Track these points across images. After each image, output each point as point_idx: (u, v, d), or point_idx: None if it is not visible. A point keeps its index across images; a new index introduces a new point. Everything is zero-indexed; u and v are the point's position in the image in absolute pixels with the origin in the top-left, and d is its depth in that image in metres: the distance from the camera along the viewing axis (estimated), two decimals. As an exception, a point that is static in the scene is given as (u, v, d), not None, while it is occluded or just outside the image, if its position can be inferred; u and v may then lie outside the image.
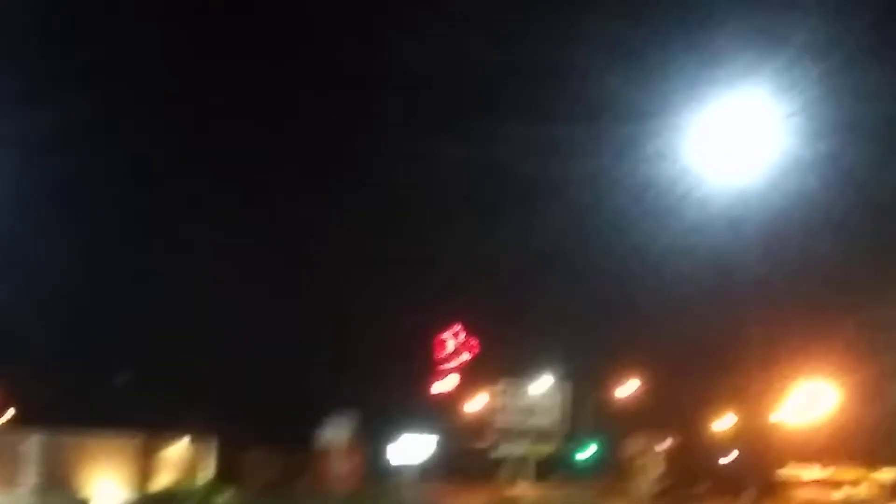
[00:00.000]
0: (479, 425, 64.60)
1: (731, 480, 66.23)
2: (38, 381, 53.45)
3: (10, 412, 67.83)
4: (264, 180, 76.80)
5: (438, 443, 69.58)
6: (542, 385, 50.32)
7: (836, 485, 77.32)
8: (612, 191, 49.61)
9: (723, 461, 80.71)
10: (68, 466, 44.64)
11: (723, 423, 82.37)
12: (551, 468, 71.37)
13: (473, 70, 62.73)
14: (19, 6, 48.15)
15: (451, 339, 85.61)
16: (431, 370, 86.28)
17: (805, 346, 67.47)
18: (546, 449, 49.79)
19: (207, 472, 50.61)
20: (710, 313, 63.02)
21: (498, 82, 64.15)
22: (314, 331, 72.67)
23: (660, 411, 72.39)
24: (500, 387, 48.88)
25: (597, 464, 68.42)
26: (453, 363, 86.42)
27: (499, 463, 66.37)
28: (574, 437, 55.03)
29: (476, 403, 76.70)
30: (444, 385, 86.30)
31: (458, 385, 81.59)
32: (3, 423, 61.77)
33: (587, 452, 62.85)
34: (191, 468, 49.50)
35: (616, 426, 68.53)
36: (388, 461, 64.77)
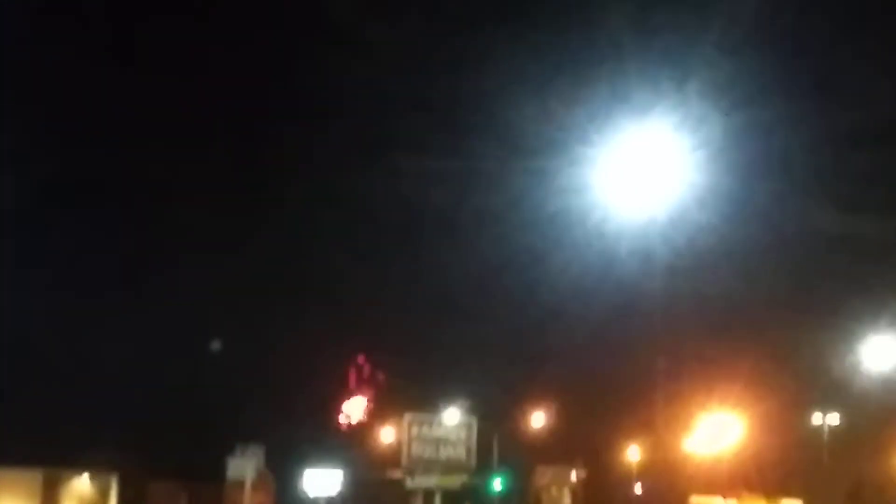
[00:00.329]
0: (391, 456, 64.40)
1: (640, 512, 66.73)
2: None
3: None
4: (170, 213, 76.20)
5: (350, 474, 69.26)
6: (451, 418, 50.30)
7: (743, 515, 78.28)
8: (520, 224, 49.92)
9: (631, 492, 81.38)
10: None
11: (630, 454, 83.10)
12: (461, 500, 71.46)
13: (380, 104, 62.95)
14: None
15: (356, 372, 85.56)
16: (339, 402, 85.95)
17: (710, 377, 68.28)
18: (457, 480, 49.71)
19: (110, 507, 49.86)
20: (616, 346, 63.60)
21: (405, 115, 64.38)
22: (218, 363, 72.03)
23: (568, 443, 72.77)
24: (406, 420, 48.76)
25: (507, 495, 68.49)
26: (359, 397, 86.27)
27: (411, 494, 66.27)
28: (483, 469, 55.03)
29: (386, 435, 76.54)
30: (352, 414, 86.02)
31: (367, 417, 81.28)
32: None
33: (496, 484, 62.86)
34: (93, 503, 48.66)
35: (525, 458, 68.72)
36: (298, 493, 64.23)
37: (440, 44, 54.21)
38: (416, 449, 48.16)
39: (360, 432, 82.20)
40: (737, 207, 39.66)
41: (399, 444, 52.24)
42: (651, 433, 50.14)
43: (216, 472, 56.21)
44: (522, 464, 67.80)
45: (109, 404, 62.10)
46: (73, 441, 52.59)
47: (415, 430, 48.20)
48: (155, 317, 73.05)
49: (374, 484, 75.67)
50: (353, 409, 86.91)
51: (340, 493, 65.75)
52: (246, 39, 69.43)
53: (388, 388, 73.81)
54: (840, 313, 53.97)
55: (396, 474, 55.04)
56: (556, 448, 72.08)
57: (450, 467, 48.18)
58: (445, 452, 48.21)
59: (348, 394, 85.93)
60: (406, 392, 62.59)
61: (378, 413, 78.47)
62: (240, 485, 54.22)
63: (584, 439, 74.72)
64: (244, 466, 54.04)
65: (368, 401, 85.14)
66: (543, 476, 65.65)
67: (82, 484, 48.73)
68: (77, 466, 49.16)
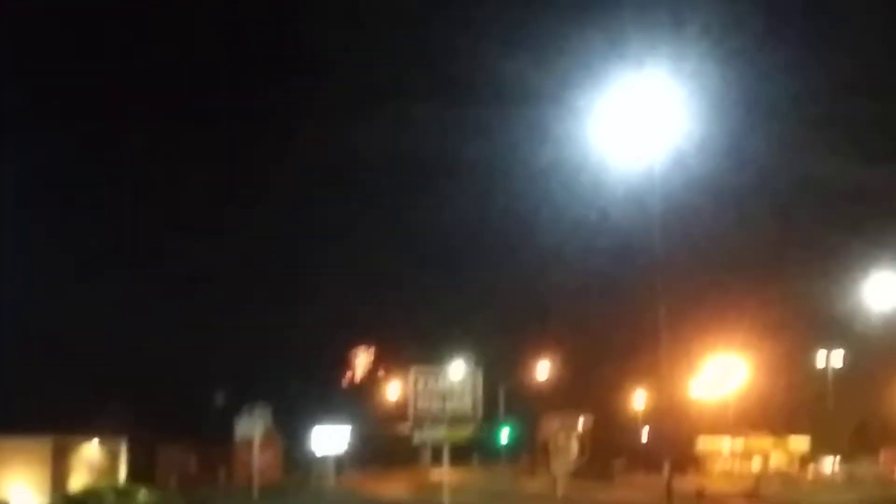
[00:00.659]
0: (398, 412, 64.66)
1: (647, 456, 67.02)
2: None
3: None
4: (174, 171, 76.16)
5: (358, 430, 69.54)
6: (456, 371, 50.34)
7: (750, 455, 78.75)
8: (517, 174, 49.92)
9: (638, 437, 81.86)
10: (-21, 471, 44.04)
11: (637, 400, 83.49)
12: (469, 452, 71.82)
13: (377, 54, 62.70)
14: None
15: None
16: (344, 359, 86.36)
17: (715, 322, 68.57)
18: (464, 433, 49.75)
19: (121, 472, 50.04)
20: (618, 293, 63.82)
21: (401, 66, 64.19)
22: (224, 325, 72.28)
23: (574, 391, 73.03)
24: (412, 374, 48.79)
25: (514, 446, 68.90)
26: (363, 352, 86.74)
27: (419, 449, 66.55)
28: (490, 420, 55.26)
29: (392, 391, 76.93)
30: (357, 369, 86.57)
31: (372, 374, 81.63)
32: None
33: (504, 435, 63.26)
34: (104, 469, 48.88)
35: (531, 408, 68.99)
36: (307, 452, 64.52)
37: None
38: (422, 403, 47.97)
39: (367, 389, 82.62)
40: (733, 155, 39.66)
41: (405, 399, 52.29)
42: (656, 378, 50.24)
43: (224, 434, 56.52)
44: (529, 414, 68.06)
45: (117, 370, 62.47)
46: (81, 408, 52.78)
47: (420, 383, 47.98)
48: (162, 283, 73.45)
49: (381, 440, 76.18)
50: (359, 363, 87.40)
51: (348, 449, 66.06)
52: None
53: (393, 343, 74.01)
54: (841, 255, 54.11)
55: (404, 429, 55.21)
56: (562, 397, 72.33)
57: (456, 420, 48.03)
58: (451, 405, 48.02)
59: (353, 350, 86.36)
60: (411, 347, 62.78)
61: (384, 369, 78.82)
62: (248, 445, 54.42)
63: (590, 387, 75.02)
64: (252, 426, 54.20)
65: (372, 355, 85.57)
66: (550, 425, 65.60)
67: (92, 449, 49.00)
68: (86, 433, 49.42)
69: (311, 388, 67.17)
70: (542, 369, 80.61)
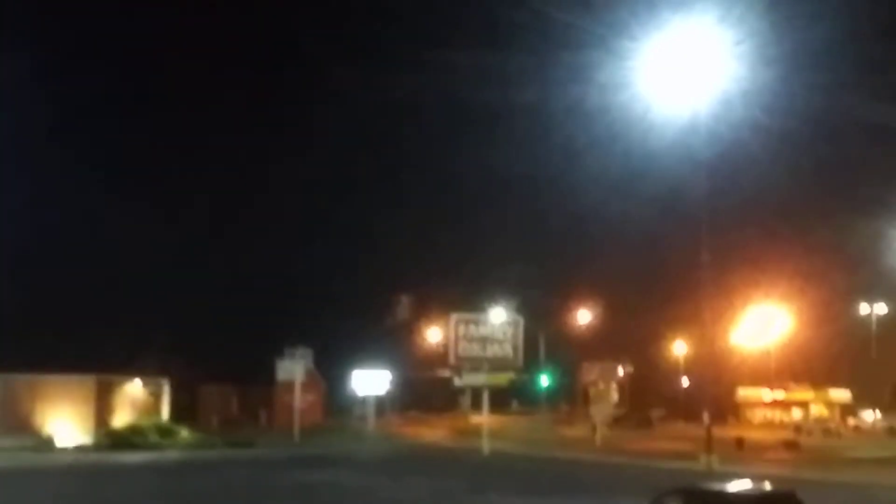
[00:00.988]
0: (438, 356, 64.78)
1: (687, 405, 66.95)
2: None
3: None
4: (216, 123, 76.66)
5: (399, 375, 69.85)
6: (497, 317, 50.38)
7: (790, 405, 78.61)
8: (561, 120, 49.53)
9: (678, 385, 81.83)
10: (26, 408, 44.52)
11: (677, 348, 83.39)
12: (508, 398, 72.04)
13: (425, 3, 62.48)
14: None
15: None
16: (387, 304, 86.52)
17: (756, 271, 68.15)
18: (503, 378, 49.91)
19: (163, 411, 50.52)
20: (661, 241, 63.47)
21: (445, 12, 63.86)
22: (267, 269, 72.63)
23: (614, 339, 73.03)
24: (453, 319, 48.85)
25: (553, 393, 68.99)
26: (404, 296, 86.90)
27: (459, 392, 66.77)
28: (530, 366, 55.29)
29: (433, 335, 77.05)
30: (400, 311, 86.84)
31: (413, 318, 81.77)
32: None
33: (543, 380, 63.29)
34: (147, 408, 49.37)
35: (571, 355, 69.04)
36: (348, 395, 64.90)
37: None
38: (464, 348, 48.24)
39: (408, 333, 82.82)
40: (780, 101, 39.12)
41: (446, 343, 52.40)
42: (697, 327, 50.03)
43: (266, 375, 56.93)
44: (569, 361, 68.12)
45: (161, 311, 63.01)
46: (125, 348, 53.30)
47: (461, 329, 48.23)
48: (207, 227, 73.96)
49: (421, 383, 76.55)
50: (401, 308, 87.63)
51: (389, 393, 66.41)
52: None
53: (434, 288, 74.11)
54: (886, 203, 53.40)
55: (444, 373, 55.41)
56: (603, 344, 72.38)
57: (497, 365, 48.30)
58: (492, 350, 48.28)
59: (396, 294, 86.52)
60: (453, 292, 62.79)
61: (424, 314, 78.94)
62: (289, 386, 54.86)
63: (631, 335, 74.96)
64: (293, 368, 54.59)
65: (415, 300, 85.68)
66: (590, 372, 65.90)
67: (135, 388, 49.40)
68: (129, 372, 49.84)
69: (353, 331, 67.36)
70: (583, 316, 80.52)
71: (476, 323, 48.56)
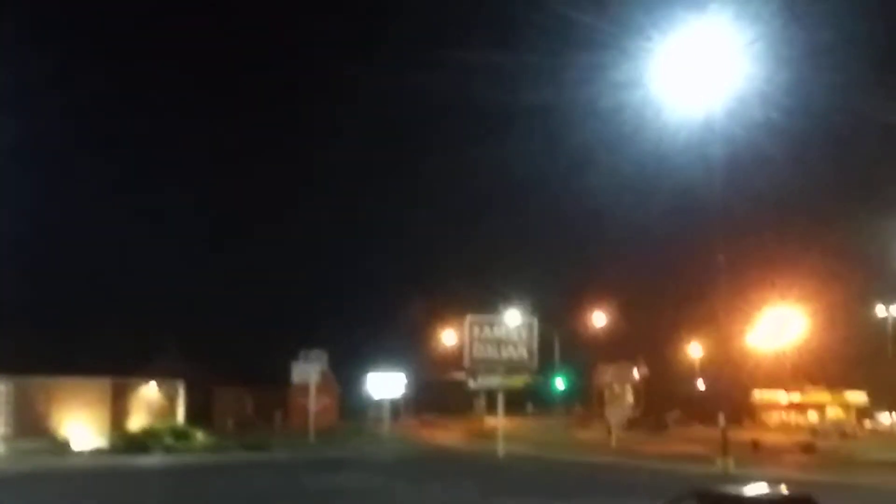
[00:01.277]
0: (453, 358, 64.68)
1: (702, 407, 66.73)
2: (3, 329, 53.16)
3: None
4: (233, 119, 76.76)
5: (414, 377, 69.77)
6: (512, 319, 50.27)
7: (807, 408, 78.36)
8: (576, 120, 49.44)
9: (693, 388, 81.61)
10: (41, 410, 44.59)
11: (692, 350, 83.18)
12: (523, 400, 71.91)
13: (440, 3, 62.49)
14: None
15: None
16: (402, 307, 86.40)
17: (772, 272, 67.90)
18: (519, 381, 49.84)
19: (178, 413, 50.57)
20: (676, 242, 63.30)
21: (460, 12, 63.84)
22: (283, 272, 72.83)
23: (629, 341, 72.84)
24: (468, 321, 48.78)
25: (568, 395, 68.85)
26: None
27: (474, 394, 66.64)
28: (545, 368, 55.16)
29: (447, 337, 76.91)
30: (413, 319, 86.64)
31: (428, 320, 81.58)
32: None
33: (559, 383, 63.19)
34: (162, 410, 49.42)
35: (586, 357, 68.85)
36: (363, 398, 64.87)
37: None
38: (478, 350, 48.21)
39: (423, 336, 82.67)
40: (795, 101, 38.91)
41: (461, 345, 52.34)
42: (713, 329, 49.88)
43: (281, 377, 56.96)
44: (584, 363, 67.94)
45: (176, 314, 63.17)
46: (140, 350, 53.42)
47: (476, 331, 48.20)
48: (221, 230, 74.22)
49: (436, 385, 76.42)
50: (416, 311, 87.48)
51: (404, 395, 66.38)
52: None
53: (448, 291, 74.05)
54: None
55: (459, 376, 55.33)
56: (618, 346, 72.15)
57: (512, 367, 48.24)
58: (507, 353, 48.23)
59: (410, 297, 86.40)
60: (468, 294, 62.74)
61: (438, 316, 78.78)
62: (304, 389, 54.88)
63: (646, 337, 74.78)
64: (308, 371, 54.62)
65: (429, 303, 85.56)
66: (605, 374, 65.69)
67: (150, 391, 49.45)
68: (145, 375, 49.96)
69: (368, 334, 67.37)
70: (598, 318, 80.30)
71: (491, 325, 48.51)
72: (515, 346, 48.20)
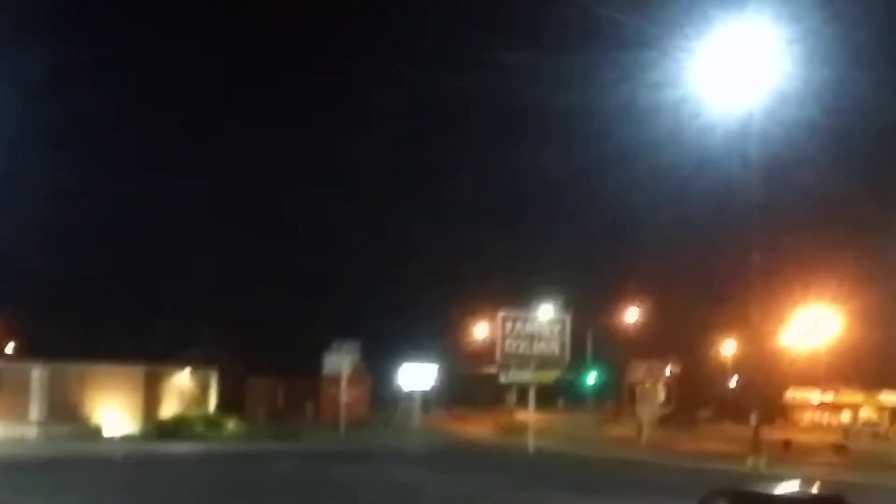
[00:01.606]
0: (485, 352, 64.68)
1: (735, 405, 66.50)
2: (39, 315, 53.65)
3: (11, 346, 68.21)
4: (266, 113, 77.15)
5: (445, 370, 69.79)
6: (544, 314, 50.28)
7: (840, 408, 77.96)
8: (613, 119, 49.36)
9: (726, 386, 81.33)
10: (75, 396, 44.93)
11: (726, 348, 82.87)
12: (555, 396, 71.85)
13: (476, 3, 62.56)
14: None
15: None
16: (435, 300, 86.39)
17: (808, 271, 67.48)
18: (550, 376, 49.84)
19: (210, 401, 50.84)
20: (712, 240, 63.03)
21: (498, 12, 63.83)
22: (317, 262, 73.03)
23: (662, 338, 72.58)
24: (500, 316, 48.80)
25: (600, 391, 68.77)
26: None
27: (505, 389, 66.62)
28: (577, 364, 55.13)
29: (479, 331, 76.90)
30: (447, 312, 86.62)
31: (460, 315, 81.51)
32: (6, 356, 62.04)
33: (590, 379, 63.14)
34: (195, 397, 49.73)
35: (619, 353, 68.75)
36: (394, 390, 64.96)
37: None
38: (510, 344, 48.20)
39: (455, 329, 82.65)
40: (835, 100, 38.69)
41: (493, 340, 52.36)
42: (747, 327, 49.65)
43: (313, 368, 57.15)
44: (616, 359, 67.83)
45: (210, 302, 63.55)
46: (174, 338, 53.75)
47: (508, 326, 48.20)
48: (255, 220, 74.63)
49: (467, 379, 76.48)
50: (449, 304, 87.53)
51: (434, 388, 66.41)
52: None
53: (480, 283, 74.04)
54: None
55: (490, 370, 55.34)
56: (651, 343, 71.92)
57: (543, 362, 48.21)
58: (539, 348, 48.20)
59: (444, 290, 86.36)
60: (501, 288, 62.72)
61: (471, 309, 78.69)
62: (336, 379, 55.05)
63: (679, 334, 74.50)
64: (340, 361, 54.81)
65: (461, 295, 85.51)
66: (637, 371, 65.48)
67: (183, 378, 49.76)
68: (178, 362, 50.24)
69: (401, 326, 67.43)
70: (631, 314, 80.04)
71: (523, 320, 48.50)
72: (547, 342, 48.18)
